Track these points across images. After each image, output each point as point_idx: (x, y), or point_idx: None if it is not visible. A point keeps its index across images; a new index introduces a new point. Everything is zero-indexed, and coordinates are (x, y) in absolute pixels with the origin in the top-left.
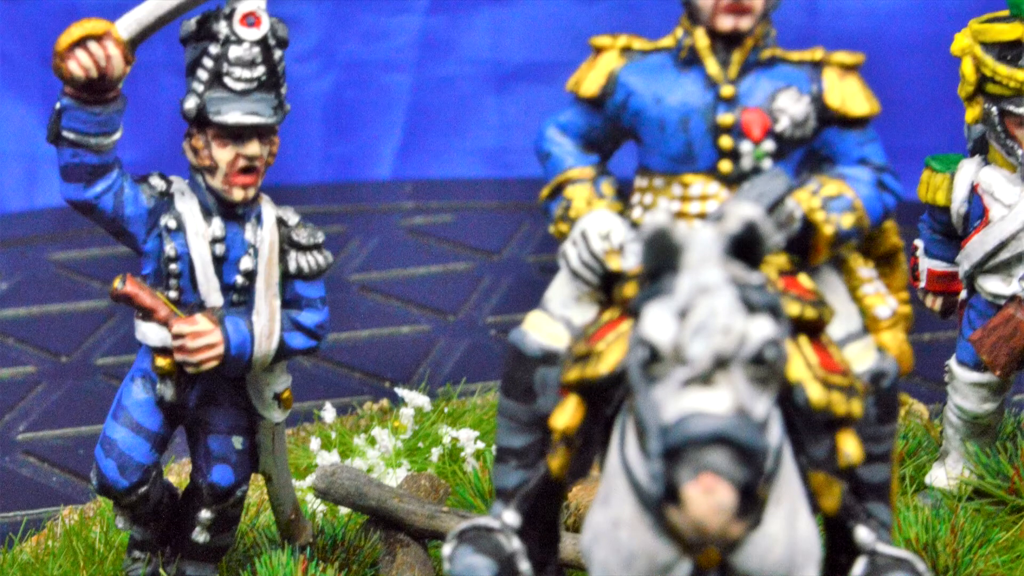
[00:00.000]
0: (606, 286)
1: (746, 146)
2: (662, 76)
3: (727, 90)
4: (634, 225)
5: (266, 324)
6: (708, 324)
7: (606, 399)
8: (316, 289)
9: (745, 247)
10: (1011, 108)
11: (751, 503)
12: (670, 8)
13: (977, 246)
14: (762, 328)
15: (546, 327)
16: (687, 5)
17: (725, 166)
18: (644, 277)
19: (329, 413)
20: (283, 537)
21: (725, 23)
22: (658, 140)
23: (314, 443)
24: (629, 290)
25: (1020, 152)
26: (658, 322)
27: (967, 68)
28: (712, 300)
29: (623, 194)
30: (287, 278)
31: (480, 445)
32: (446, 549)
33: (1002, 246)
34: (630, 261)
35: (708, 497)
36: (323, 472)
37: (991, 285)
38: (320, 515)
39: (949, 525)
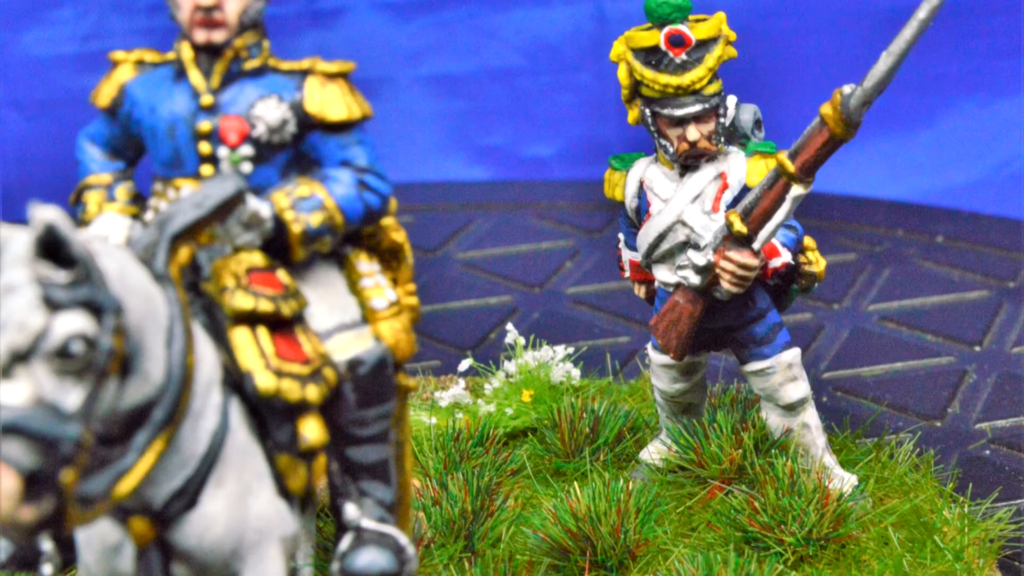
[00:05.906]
0: None
1: (223, 151)
2: (161, 87)
3: (206, 99)
4: (146, 226)
5: None
6: (5, 321)
7: None
8: None
9: (52, 248)
10: (658, 109)
11: (45, 488)
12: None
13: (642, 238)
14: (68, 323)
15: None
16: (174, 19)
17: (207, 170)
18: None
19: None
20: None
21: (199, 36)
22: (153, 147)
23: None
24: None
25: (672, 150)
26: None
27: (622, 73)
28: (12, 299)
29: (141, 199)
30: None
31: None
32: None
33: (661, 238)
34: None
35: None
36: None
37: (661, 274)
38: None
39: (617, 498)
